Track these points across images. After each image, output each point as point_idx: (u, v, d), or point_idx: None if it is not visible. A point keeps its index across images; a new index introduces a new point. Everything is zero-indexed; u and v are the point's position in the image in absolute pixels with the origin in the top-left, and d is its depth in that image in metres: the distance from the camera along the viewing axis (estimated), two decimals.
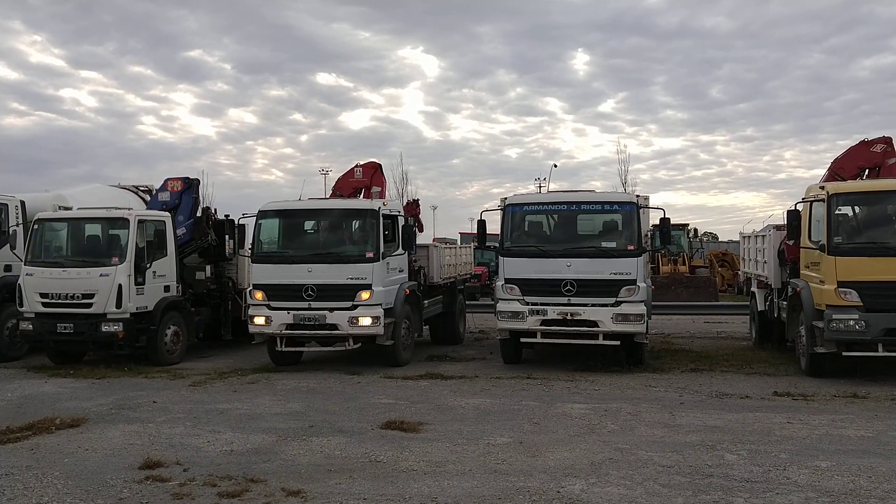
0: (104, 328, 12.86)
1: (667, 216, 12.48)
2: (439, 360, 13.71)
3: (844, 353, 10.90)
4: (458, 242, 27.89)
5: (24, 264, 13.35)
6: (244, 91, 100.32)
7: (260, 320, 12.64)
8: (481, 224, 13.32)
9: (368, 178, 15.83)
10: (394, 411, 9.26)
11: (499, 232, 13.11)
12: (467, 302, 18.53)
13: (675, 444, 7.63)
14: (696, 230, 34.40)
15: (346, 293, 12.38)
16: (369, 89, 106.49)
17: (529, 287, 12.29)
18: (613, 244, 12.50)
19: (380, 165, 16.18)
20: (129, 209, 14.28)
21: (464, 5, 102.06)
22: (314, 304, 12.41)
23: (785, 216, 12.50)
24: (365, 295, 12.35)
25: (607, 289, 11.98)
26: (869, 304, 10.61)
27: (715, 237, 60.69)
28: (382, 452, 7.40)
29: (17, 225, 14.32)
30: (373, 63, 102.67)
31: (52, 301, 13.05)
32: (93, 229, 14.10)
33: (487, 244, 14.73)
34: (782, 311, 13.36)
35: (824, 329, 10.77)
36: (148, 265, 13.29)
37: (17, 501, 6.12)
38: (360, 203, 13.81)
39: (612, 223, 12.82)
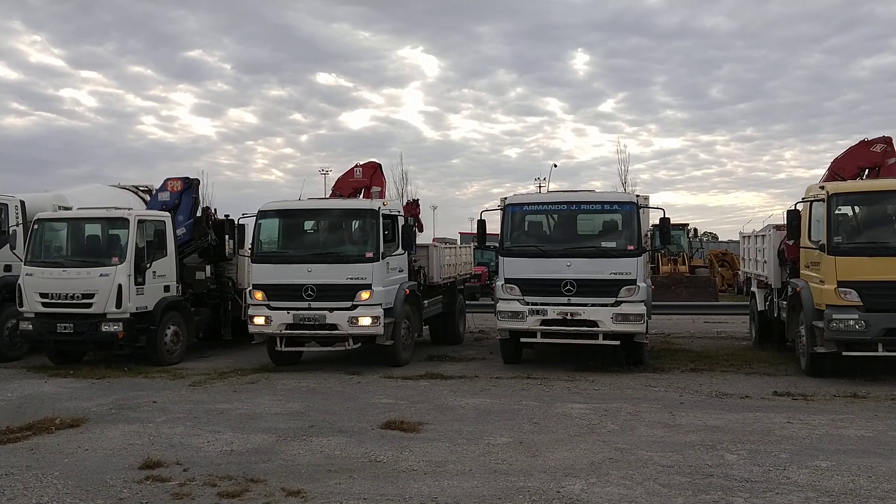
0: (104, 328, 12.87)
1: (667, 216, 12.48)
2: (439, 360, 13.72)
3: (844, 353, 10.90)
4: (458, 242, 27.89)
5: (24, 264, 13.35)
6: (244, 91, 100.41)
7: (260, 320, 12.64)
8: (481, 224, 13.32)
9: (368, 178, 15.84)
10: (394, 411, 9.26)
11: (499, 232, 13.11)
12: (467, 302, 18.53)
13: (675, 444, 7.63)
14: (696, 230, 34.44)
15: (345, 293, 12.38)
16: (369, 89, 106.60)
17: (529, 287, 12.29)
18: (613, 244, 12.50)
19: (380, 165, 16.19)
20: (129, 209, 14.28)
21: (464, 5, 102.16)
22: (314, 304, 12.41)
23: (785, 216, 12.50)
24: (365, 295, 12.35)
25: (607, 289, 11.98)
26: (869, 303, 10.62)
27: (715, 237, 60.73)
28: (382, 452, 7.40)
29: (17, 225, 14.32)
30: (373, 63, 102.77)
31: (52, 301, 13.05)
32: (93, 229, 14.11)
33: (487, 244, 14.74)
34: (782, 310, 13.36)
35: (824, 329, 10.78)
36: (148, 265, 13.29)
37: (17, 501, 6.12)
38: (360, 203, 13.81)
39: (612, 223, 12.82)
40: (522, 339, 12.50)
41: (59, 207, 14.90)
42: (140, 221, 13.44)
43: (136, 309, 13.08)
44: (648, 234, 14.14)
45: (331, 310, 12.35)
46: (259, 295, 12.72)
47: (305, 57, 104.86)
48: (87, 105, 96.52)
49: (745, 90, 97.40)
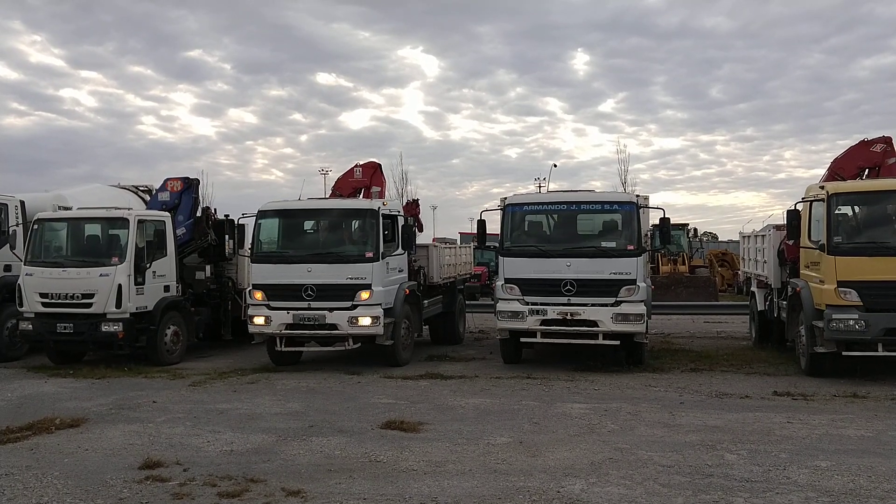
0: (104, 328, 12.87)
1: (667, 216, 12.49)
2: (439, 360, 13.72)
3: (844, 353, 10.90)
4: (458, 242, 27.88)
5: (24, 264, 13.35)
6: (244, 91, 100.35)
7: (259, 320, 12.64)
8: (481, 224, 13.33)
9: (368, 177, 15.83)
10: (394, 411, 9.26)
11: (499, 232, 13.11)
12: (467, 302, 18.53)
13: (675, 444, 7.63)
14: (695, 230, 34.42)
15: (345, 293, 12.38)
16: (369, 89, 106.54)
17: (529, 287, 12.29)
18: (613, 244, 12.50)
19: (379, 165, 16.19)
20: (128, 209, 14.28)
21: (464, 5, 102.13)
22: (314, 304, 12.41)
23: (785, 216, 12.50)
24: (364, 295, 12.35)
25: (607, 288, 11.98)
26: (869, 303, 10.62)
27: (715, 237, 60.73)
28: (382, 452, 7.40)
29: (17, 225, 14.32)
30: (373, 63, 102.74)
31: (52, 301, 13.05)
32: (93, 229, 14.11)
33: (487, 244, 14.74)
34: (782, 310, 13.36)
35: (824, 329, 10.78)
36: (148, 265, 13.29)
37: (17, 501, 6.12)
38: (360, 203, 13.81)
39: (612, 223, 12.82)
40: (522, 339, 12.50)
41: (59, 207, 14.90)
42: (140, 221, 13.44)
43: (136, 309, 13.08)
44: (648, 234, 14.14)
45: (331, 310, 12.35)
46: (259, 295, 12.72)
47: (305, 57, 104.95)
48: (87, 105, 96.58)
49: (745, 90, 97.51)
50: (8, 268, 14.32)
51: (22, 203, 14.71)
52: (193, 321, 14.55)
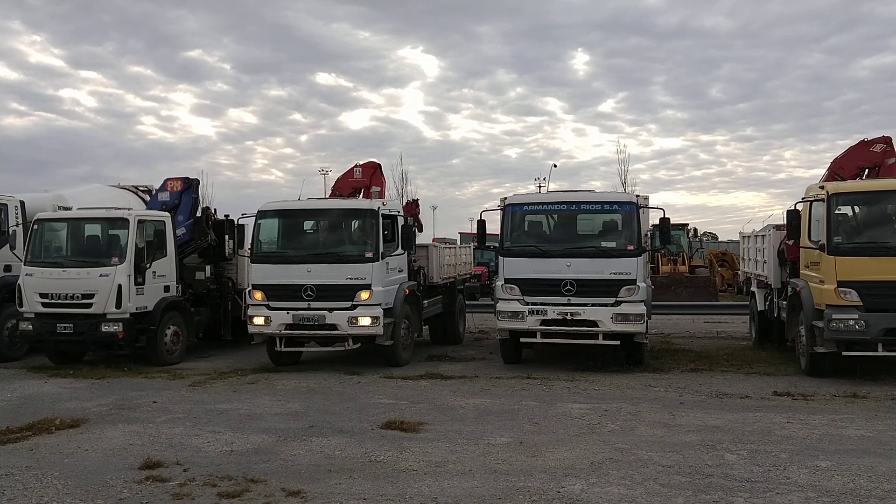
0: (104, 328, 12.86)
1: (667, 216, 12.48)
2: (439, 360, 13.71)
3: (844, 353, 10.90)
4: (458, 242, 27.88)
5: (24, 264, 13.34)
6: (244, 91, 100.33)
7: (259, 320, 12.64)
8: (481, 224, 13.33)
9: (368, 177, 15.83)
10: (394, 411, 9.26)
11: (499, 232, 13.11)
12: (467, 302, 18.53)
13: (675, 444, 7.63)
14: (695, 230, 34.42)
15: (345, 293, 12.38)
16: (369, 89, 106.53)
17: (529, 287, 12.29)
18: (613, 244, 12.50)
19: (379, 165, 16.18)
20: (128, 209, 14.28)
21: (464, 5, 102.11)
22: (313, 305, 12.40)
23: (785, 216, 12.50)
24: (364, 295, 12.35)
25: (607, 289, 11.98)
26: (869, 303, 10.62)
27: (715, 237, 60.69)
28: (382, 452, 7.40)
29: (17, 225, 14.32)
30: (373, 63, 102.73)
31: (52, 301, 13.05)
32: (93, 229, 14.11)
33: (487, 244, 14.74)
34: (782, 310, 13.36)
35: (824, 329, 10.78)
36: (148, 265, 13.29)
37: (17, 501, 6.12)
38: (360, 203, 13.81)
39: (612, 223, 12.82)
40: (522, 339, 12.50)
41: (59, 207, 14.90)
42: (140, 221, 13.44)
43: (136, 309, 13.08)
44: (648, 234, 14.14)
45: (330, 310, 12.34)
46: (258, 295, 12.72)
47: (305, 57, 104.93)
48: (87, 105, 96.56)
49: (744, 90, 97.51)
50: (8, 268, 14.32)
51: (22, 203, 14.70)
52: (193, 321, 14.55)
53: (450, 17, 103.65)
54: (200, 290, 15.08)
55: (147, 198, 16.38)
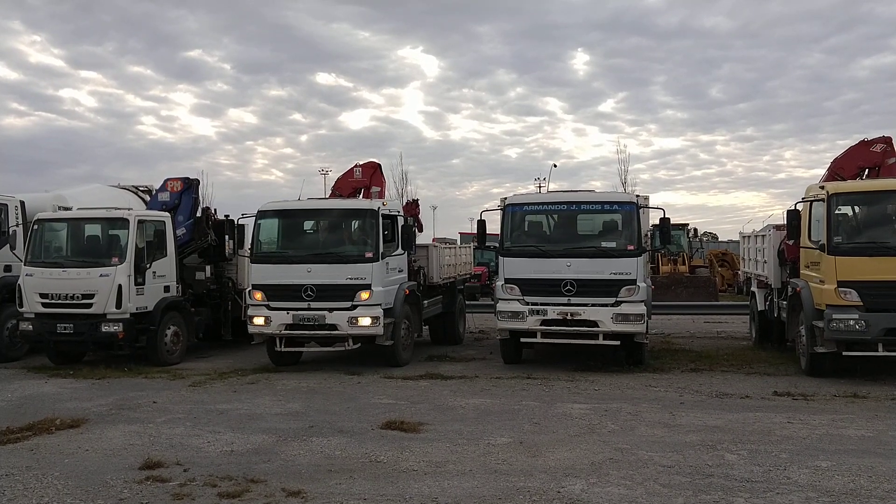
0: (104, 328, 12.86)
1: (667, 216, 12.48)
2: (439, 360, 13.71)
3: (844, 353, 10.90)
4: (458, 242, 27.88)
5: (24, 265, 13.34)
6: (244, 91, 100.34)
7: (259, 320, 12.64)
8: (481, 224, 13.32)
9: (368, 177, 15.83)
10: (394, 411, 9.26)
11: (499, 232, 13.11)
12: (467, 302, 18.52)
13: (675, 444, 7.63)
14: (695, 230, 34.43)
15: (345, 293, 12.38)
16: (369, 89, 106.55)
17: (529, 287, 12.29)
18: (613, 244, 12.50)
19: (379, 165, 16.18)
20: (128, 209, 14.27)
21: (464, 5, 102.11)
22: (313, 305, 12.40)
23: (785, 216, 12.50)
24: (364, 295, 12.34)
25: (607, 289, 11.98)
26: (869, 303, 10.62)
27: (715, 237, 60.70)
28: (382, 452, 7.40)
29: (17, 225, 14.32)
30: (373, 63, 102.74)
31: (52, 301, 13.04)
32: (93, 229, 14.10)
33: (487, 244, 14.74)
34: (782, 310, 13.36)
35: (824, 329, 10.78)
36: (148, 265, 13.29)
37: (17, 502, 6.12)
38: (360, 203, 13.81)
39: (612, 223, 12.82)
40: (522, 339, 12.50)
41: (59, 207, 14.90)
42: (140, 222, 13.44)
43: (136, 309, 13.08)
44: (648, 234, 14.15)
45: (330, 310, 12.34)
46: (258, 295, 12.72)
47: (305, 57, 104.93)
48: (87, 105, 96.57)
49: (744, 90, 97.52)
50: (8, 268, 14.32)
51: (22, 203, 14.70)
52: (193, 321, 14.55)
53: (450, 17, 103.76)
54: (200, 291, 15.08)
55: (147, 198, 16.38)
